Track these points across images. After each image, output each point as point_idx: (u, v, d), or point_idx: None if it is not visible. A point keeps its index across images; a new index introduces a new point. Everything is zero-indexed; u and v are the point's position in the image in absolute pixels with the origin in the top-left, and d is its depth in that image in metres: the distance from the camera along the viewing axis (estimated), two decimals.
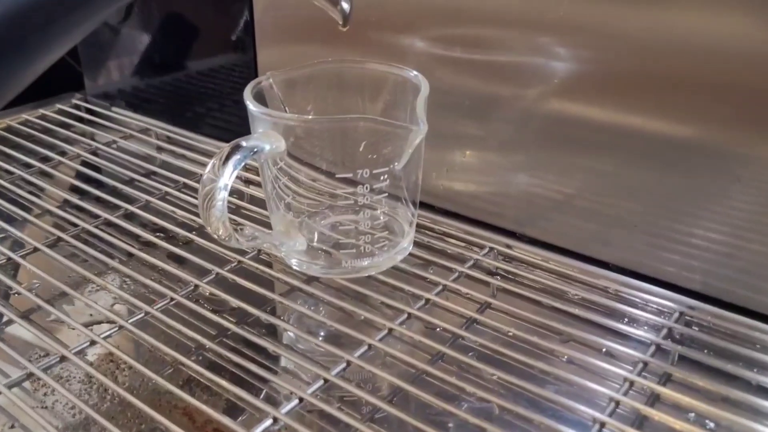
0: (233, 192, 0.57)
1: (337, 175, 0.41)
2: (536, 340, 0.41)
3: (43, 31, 0.29)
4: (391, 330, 0.41)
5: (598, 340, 0.41)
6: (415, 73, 0.45)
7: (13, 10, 0.28)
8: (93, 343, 0.41)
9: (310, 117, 0.40)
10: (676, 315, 0.42)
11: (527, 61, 0.46)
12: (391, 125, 0.40)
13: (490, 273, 0.47)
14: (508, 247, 0.49)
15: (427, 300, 0.44)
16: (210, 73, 0.66)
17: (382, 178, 0.41)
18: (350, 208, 0.42)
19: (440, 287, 0.45)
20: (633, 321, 0.43)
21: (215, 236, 0.40)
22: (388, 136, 0.40)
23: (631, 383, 0.37)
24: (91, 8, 0.31)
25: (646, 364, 0.38)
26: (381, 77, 0.46)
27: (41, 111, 0.71)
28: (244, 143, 0.39)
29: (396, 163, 0.41)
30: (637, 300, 0.44)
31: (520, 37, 0.46)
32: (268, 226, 0.48)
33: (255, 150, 0.39)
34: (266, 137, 0.40)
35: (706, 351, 0.40)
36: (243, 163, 0.39)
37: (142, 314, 0.43)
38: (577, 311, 0.43)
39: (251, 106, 0.41)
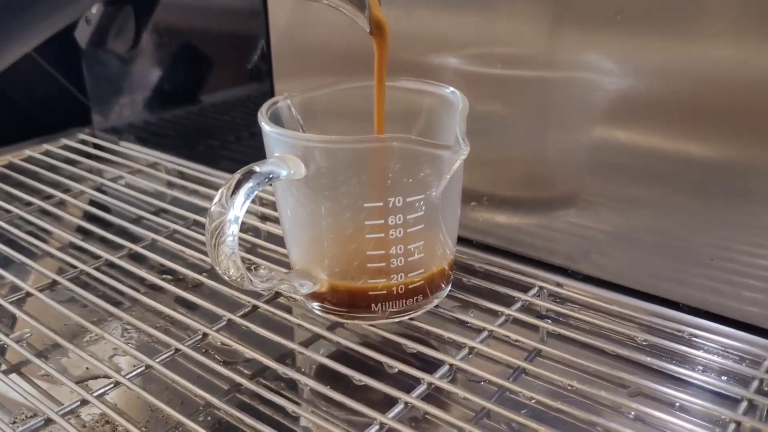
0: (248, 229, 0.52)
1: (365, 204, 0.35)
2: (598, 392, 0.35)
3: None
4: (431, 384, 0.35)
5: (672, 393, 0.35)
6: (451, 89, 0.40)
7: None
8: (84, 402, 0.36)
9: (333, 137, 0.35)
10: (767, 364, 0.36)
11: (577, 76, 0.41)
12: (428, 145, 0.35)
13: (540, 316, 0.42)
14: (559, 285, 0.44)
15: (471, 349, 0.38)
16: (224, 104, 0.63)
17: (416, 206, 0.36)
18: (380, 243, 0.37)
19: (485, 333, 0.39)
20: (709, 369, 0.37)
21: (225, 277, 0.35)
22: (424, 158, 0.35)
23: None
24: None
25: (739, 424, 0.32)
26: (412, 95, 0.41)
27: (45, 147, 0.68)
28: (257, 168, 0.34)
29: (433, 190, 0.35)
30: (715, 346, 0.38)
31: (566, 55, 0.41)
32: (287, 266, 0.42)
33: (270, 176, 0.34)
34: (283, 161, 0.35)
35: None
36: (256, 192, 0.34)
37: (143, 367, 0.38)
38: (645, 359, 0.37)
39: (266, 126, 0.36)
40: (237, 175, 0.34)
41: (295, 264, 0.40)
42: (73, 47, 0.69)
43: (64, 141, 0.69)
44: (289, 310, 0.43)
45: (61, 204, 0.58)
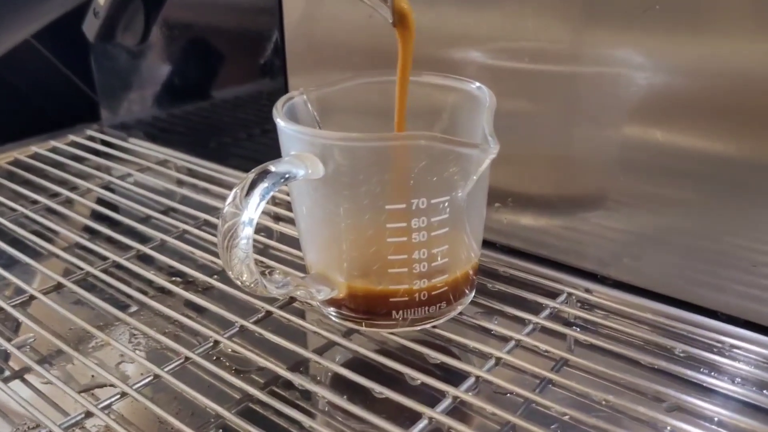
0: (260, 230, 0.50)
1: (387, 206, 0.33)
2: (635, 407, 0.33)
3: None
4: (456, 398, 0.33)
5: (711, 408, 0.33)
6: (477, 84, 0.38)
7: None
8: (89, 414, 0.34)
9: (354, 134, 0.33)
10: None
11: (607, 71, 0.39)
12: (456, 143, 0.32)
13: (567, 324, 0.40)
14: (588, 291, 0.42)
15: (498, 359, 0.36)
16: (236, 100, 0.61)
17: (441, 208, 0.34)
18: (402, 247, 0.35)
19: (512, 343, 0.37)
20: (749, 383, 0.35)
21: (238, 282, 0.33)
22: (450, 157, 0.33)
23: None
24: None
25: None
26: (435, 90, 0.39)
27: (52, 143, 0.66)
28: (273, 168, 0.32)
29: (459, 191, 0.33)
30: (757, 358, 0.36)
31: (596, 49, 0.39)
32: (302, 269, 0.40)
33: (287, 176, 0.32)
34: (300, 160, 0.33)
35: None
36: (272, 193, 0.32)
37: (151, 377, 0.36)
38: (681, 370, 0.35)
39: (282, 122, 0.34)
40: (251, 175, 0.32)
41: (311, 267, 0.38)
42: (81, 41, 0.67)
43: (72, 137, 0.67)
44: (303, 315, 0.41)
45: (68, 202, 0.56)
